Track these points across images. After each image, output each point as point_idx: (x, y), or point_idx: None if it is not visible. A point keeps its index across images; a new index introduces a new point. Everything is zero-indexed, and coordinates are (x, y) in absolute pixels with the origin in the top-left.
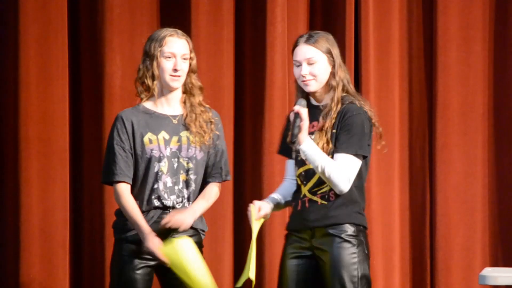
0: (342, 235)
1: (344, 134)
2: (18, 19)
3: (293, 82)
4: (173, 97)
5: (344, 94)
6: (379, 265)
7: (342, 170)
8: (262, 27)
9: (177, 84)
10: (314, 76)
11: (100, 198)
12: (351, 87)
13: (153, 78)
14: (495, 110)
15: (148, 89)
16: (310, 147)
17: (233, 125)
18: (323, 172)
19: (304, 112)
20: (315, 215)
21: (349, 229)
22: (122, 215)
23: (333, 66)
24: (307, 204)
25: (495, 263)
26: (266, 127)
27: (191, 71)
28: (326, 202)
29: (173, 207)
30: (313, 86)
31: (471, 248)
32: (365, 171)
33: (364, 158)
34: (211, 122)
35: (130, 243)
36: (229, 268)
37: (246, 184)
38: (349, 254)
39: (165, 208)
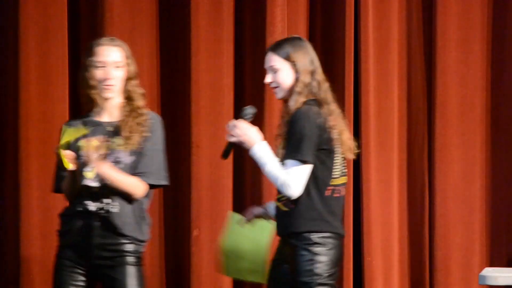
0: (300, 244)
1: (287, 141)
2: (18, 19)
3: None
4: (111, 105)
5: (311, 99)
6: (378, 265)
7: (286, 176)
8: (262, 27)
9: (109, 93)
10: (278, 84)
11: None
12: (322, 91)
13: (89, 88)
14: (494, 110)
15: (89, 99)
16: (257, 154)
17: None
18: (269, 176)
19: (241, 125)
20: (280, 222)
21: (307, 237)
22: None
23: (297, 73)
24: (278, 211)
25: (493, 263)
26: (266, 127)
27: (128, 78)
28: (288, 209)
29: (96, 212)
30: (279, 93)
31: (469, 248)
32: (323, 176)
33: (308, 162)
34: (142, 124)
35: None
36: None
37: (246, 185)
38: (305, 261)
39: (87, 213)
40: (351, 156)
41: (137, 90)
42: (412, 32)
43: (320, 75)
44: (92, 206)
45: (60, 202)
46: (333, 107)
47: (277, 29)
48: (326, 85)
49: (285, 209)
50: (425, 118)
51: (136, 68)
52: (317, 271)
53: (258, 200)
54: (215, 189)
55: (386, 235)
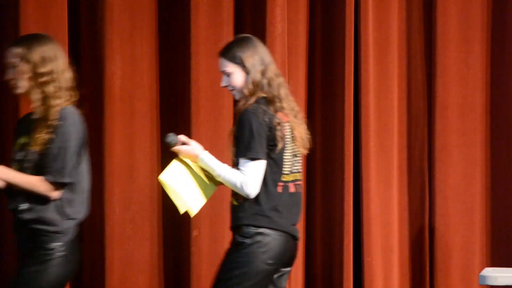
0: (237, 237)
1: (238, 140)
2: (19, 19)
3: (294, 83)
4: (32, 103)
5: (262, 97)
6: (378, 266)
7: (242, 177)
8: (262, 27)
9: (16, 91)
10: (233, 87)
11: (100, 198)
12: (274, 88)
13: None
14: (494, 110)
15: None
16: (205, 163)
17: (232, 125)
18: (223, 180)
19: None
20: (231, 216)
21: (244, 230)
22: None
23: (248, 73)
24: (230, 206)
25: (494, 263)
26: None
27: (32, 76)
28: (237, 204)
29: (13, 211)
30: (236, 95)
31: (470, 248)
32: (272, 173)
33: (260, 159)
34: (49, 123)
35: None
36: None
37: None
38: (233, 254)
39: (11, 211)
40: (304, 152)
41: (48, 89)
42: (412, 32)
43: (271, 72)
44: (11, 205)
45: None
46: (285, 103)
47: (277, 29)
48: (278, 81)
49: (235, 203)
50: (425, 118)
51: (40, 66)
52: (245, 266)
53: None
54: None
55: (386, 235)
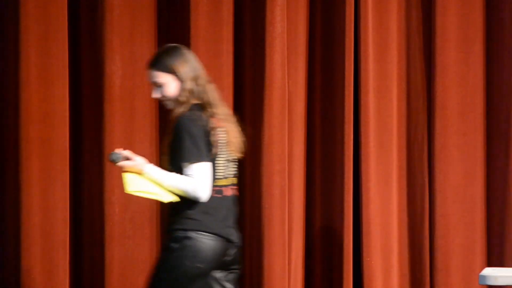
0: (166, 242)
1: (178, 147)
2: (19, 20)
3: (294, 83)
4: None
5: (195, 103)
6: (377, 266)
7: (193, 182)
8: (262, 27)
9: None
10: (166, 98)
11: (100, 198)
12: (206, 95)
13: None
14: (493, 110)
15: None
16: (150, 174)
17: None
18: (174, 189)
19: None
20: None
21: (174, 235)
22: None
23: (181, 82)
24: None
25: (494, 263)
26: (265, 127)
27: None
28: (172, 209)
29: None
30: (170, 105)
31: (470, 249)
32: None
33: (205, 161)
34: None
35: None
36: None
37: (246, 184)
38: (162, 258)
39: None
40: (239, 156)
41: None
42: (412, 32)
43: (203, 78)
44: None
45: (61, 202)
46: (218, 108)
47: (276, 29)
48: (210, 88)
49: (171, 208)
50: (424, 118)
51: None
52: (175, 269)
53: (257, 200)
54: None
55: (386, 236)
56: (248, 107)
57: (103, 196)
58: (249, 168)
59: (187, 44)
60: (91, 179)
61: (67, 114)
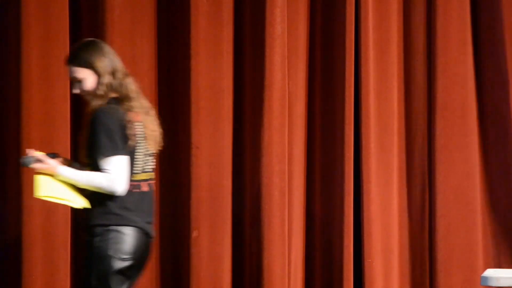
0: (88, 238)
1: (95, 140)
2: (20, 20)
3: (294, 84)
4: None
5: (113, 97)
6: (378, 267)
7: (108, 176)
8: (262, 28)
9: None
10: (85, 92)
11: None
12: (124, 89)
13: None
14: (493, 110)
15: None
16: (63, 175)
17: (232, 126)
18: (89, 186)
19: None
20: (84, 218)
21: (95, 230)
22: None
23: (98, 76)
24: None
25: (495, 264)
26: (265, 128)
27: None
28: (90, 205)
29: None
30: (89, 99)
31: (471, 249)
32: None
33: (121, 155)
34: None
35: None
36: (228, 269)
37: (245, 185)
38: (87, 255)
39: None
40: (156, 150)
41: None
42: (412, 33)
43: (120, 72)
44: None
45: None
46: (136, 102)
47: (276, 30)
48: (128, 81)
49: (87, 205)
50: (425, 119)
51: None
52: (97, 265)
53: (257, 201)
54: (215, 190)
55: (386, 237)
56: (248, 108)
57: None
58: (249, 169)
59: (187, 45)
60: None
61: (68, 115)
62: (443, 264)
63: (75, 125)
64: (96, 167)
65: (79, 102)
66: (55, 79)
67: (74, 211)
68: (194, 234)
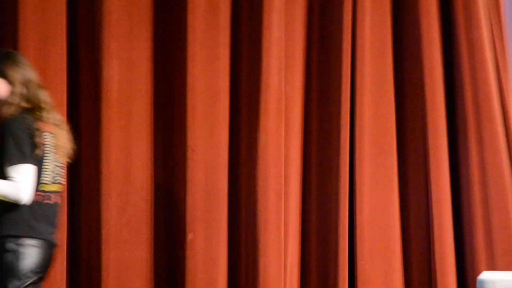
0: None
1: (3, 149)
2: (17, 23)
3: (291, 88)
4: None
5: (25, 107)
6: (377, 269)
7: (14, 185)
8: (259, 31)
9: None
10: None
11: (97, 201)
12: (36, 99)
13: None
14: (486, 109)
15: None
16: None
17: (228, 129)
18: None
19: None
20: None
21: (6, 243)
22: None
23: (11, 86)
24: None
25: (493, 266)
26: (262, 131)
27: None
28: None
29: None
30: (3, 108)
31: (467, 251)
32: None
33: (28, 163)
34: None
35: None
36: (224, 272)
37: (241, 189)
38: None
39: None
40: (67, 161)
41: None
42: (404, 36)
43: (34, 83)
44: None
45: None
46: (48, 113)
47: (273, 34)
48: (41, 93)
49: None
50: (420, 121)
51: None
52: (10, 276)
53: (253, 204)
54: (210, 193)
55: (383, 239)
56: (245, 111)
57: (100, 200)
58: (245, 171)
59: (184, 49)
60: (88, 183)
61: (64, 118)
62: (439, 266)
63: (71, 128)
64: (4, 175)
65: (75, 106)
66: (51, 83)
67: None
68: (190, 237)
